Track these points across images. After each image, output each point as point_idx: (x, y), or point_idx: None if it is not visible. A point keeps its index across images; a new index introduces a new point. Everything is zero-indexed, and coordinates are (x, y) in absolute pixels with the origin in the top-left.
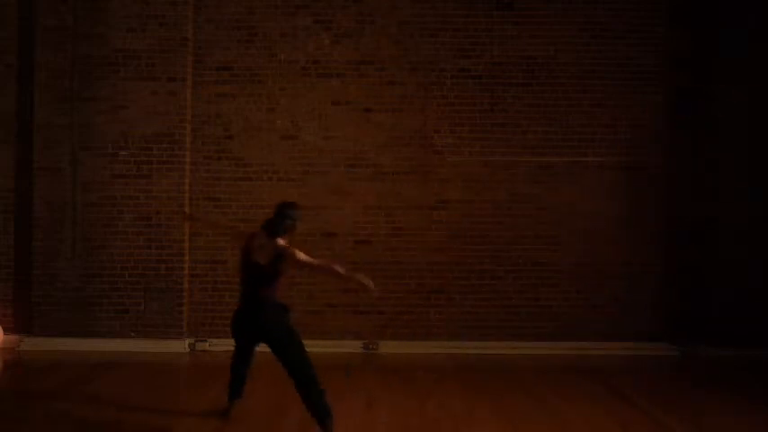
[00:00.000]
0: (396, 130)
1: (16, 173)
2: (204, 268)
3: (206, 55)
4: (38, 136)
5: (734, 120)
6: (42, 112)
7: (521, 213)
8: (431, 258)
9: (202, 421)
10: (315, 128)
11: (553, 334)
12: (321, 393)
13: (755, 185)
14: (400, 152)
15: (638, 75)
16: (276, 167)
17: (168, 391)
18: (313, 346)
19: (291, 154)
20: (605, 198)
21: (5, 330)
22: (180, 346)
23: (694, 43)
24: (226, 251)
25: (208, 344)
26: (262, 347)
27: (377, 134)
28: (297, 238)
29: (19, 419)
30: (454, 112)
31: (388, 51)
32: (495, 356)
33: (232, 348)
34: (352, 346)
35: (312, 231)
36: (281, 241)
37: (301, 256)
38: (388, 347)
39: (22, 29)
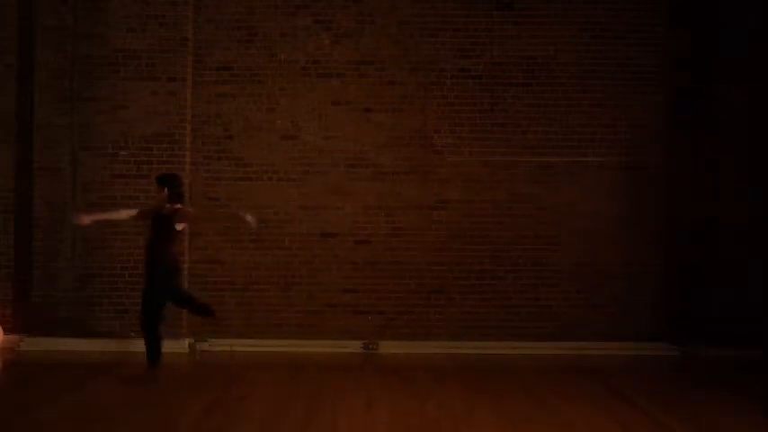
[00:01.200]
0: (396, 130)
1: (16, 173)
2: (204, 268)
3: (206, 55)
4: (38, 136)
5: (734, 120)
6: (42, 112)
7: (521, 213)
8: (431, 258)
9: (202, 421)
10: (315, 128)
11: (553, 334)
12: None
13: (755, 185)
14: (400, 152)
15: (638, 75)
16: (276, 167)
17: (168, 392)
18: (313, 346)
19: (291, 154)
20: (605, 198)
21: (5, 330)
22: (180, 346)
23: (694, 43)
24: (226, 251)
25: (208, 344)
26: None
27: (377, 134)
28: (298, 237)
29: (19, 420)
30: (454, 112)
31: (388, 51)
32: (495, 356)
33: (231, 348)
34: (352, 346)
35: (312, 231)
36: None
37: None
38: (388, 347)
39: (22, 29)
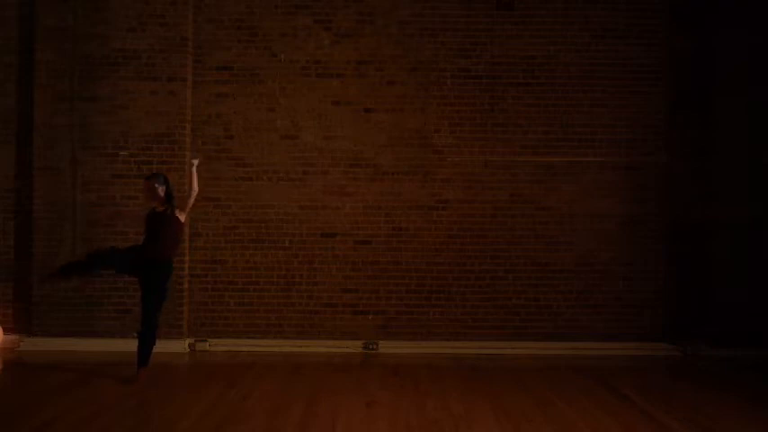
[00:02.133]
0: (396, 130)
1: (16, 173)
2: (204, 268)
3: (206, 55)
4: (38, 136)
5: (734, 120)
6: (42, 112)
7: (521, 213)
8: (431, 258)
9: (202, 421)
10: (315, 128)
11: (553, 334)
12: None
13: (755, 185)
14: (400, 152)
15: (638, 75)
16: (276, 167)
17: (168, 392)
18: (313, 346)
19: (291, 154)
20: (605, 198)
21: (5, 330)
22: (180, 346)
23: (694, 43)
24: (226, 251)
25: (208, 344)
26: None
27: (377, 134)
28: (298, 237)
29: (19, 420)
30: (454, 112)
31: (388, 51)
32: (495, 356)
33: (232, 348)
34: (352, 346)
35: (312, 231)
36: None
37: None
38: (388, 347)
39: (22, 29)
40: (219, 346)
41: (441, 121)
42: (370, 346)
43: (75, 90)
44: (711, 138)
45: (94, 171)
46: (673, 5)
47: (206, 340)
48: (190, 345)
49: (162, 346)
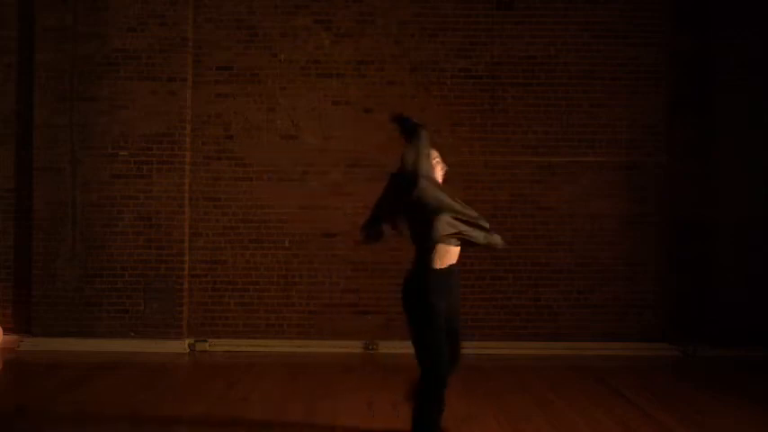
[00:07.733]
0: (396, 130)
1: (16, 173)
2: (204, 268)
3: (206, 55)
4: (38, 136)
5: (734, 120)
6: (42, 112)
7: (521, 213)
8: None
9: (202, 422)
10: (315, 128)
11: (553, 334)
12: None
13: (755, 186)
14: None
15: (639, 75)
16: (276, 167)
17: (168, 392)
18: (313, 346)
19: (291, 154)
20: (605, 198)
21: (5, 330)
22: (180, 346)
23: (695, 43)
24: (226, 251)
25: (208, 344)
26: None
27: (377, 134)
28: (298, 237)
29: (19, 420)
30: (454, 113)
31: (388, 51)
32: (495, 356)
33: (232, 348)
34: (352, 346)
35: (312, 231)
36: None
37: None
38: (388, 347)
39: (22, 29)
40: (219, 346)
41: (441, 121)
42: (370, 346)
43: (75, 90)
44: (711, 138)
45: (94, 171)
46: (673, 5)
47: (206, 340)
48: (190, 345)
49: (162, 346)
